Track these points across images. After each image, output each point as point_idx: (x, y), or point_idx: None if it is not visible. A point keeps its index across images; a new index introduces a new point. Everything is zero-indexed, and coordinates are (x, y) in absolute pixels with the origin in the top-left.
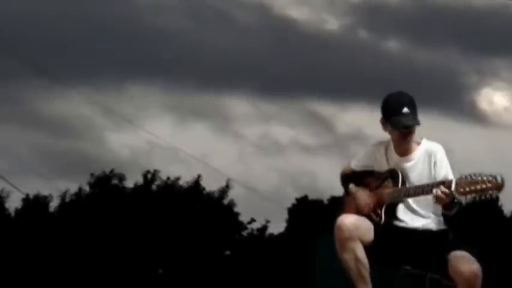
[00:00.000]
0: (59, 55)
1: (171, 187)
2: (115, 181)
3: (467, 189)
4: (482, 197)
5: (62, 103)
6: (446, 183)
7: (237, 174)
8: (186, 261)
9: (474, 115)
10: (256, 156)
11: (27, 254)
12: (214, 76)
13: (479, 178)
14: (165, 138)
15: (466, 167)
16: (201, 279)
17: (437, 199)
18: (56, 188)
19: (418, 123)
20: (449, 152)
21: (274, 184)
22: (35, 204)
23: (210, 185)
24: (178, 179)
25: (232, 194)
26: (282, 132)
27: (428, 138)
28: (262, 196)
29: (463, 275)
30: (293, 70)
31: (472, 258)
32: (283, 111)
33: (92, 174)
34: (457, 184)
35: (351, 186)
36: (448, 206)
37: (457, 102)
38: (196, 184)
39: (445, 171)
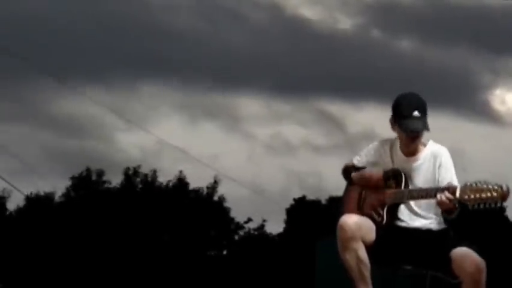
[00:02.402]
0: (71, 55)
1: (152, 184)
2: (94, 178)
3: (472, 196)
4: (487, 206)
5: (72, 103)
6: (451, 189)
7: (245, 174)
8: (181, 260)
9: (487, 115)
10: (267, 156)
11: (24, 252)
12: (227, 76)
13: (485, 186)
14: (175, 138)
15: (479, 166)
16: (199, 279)
17: (441, 204)
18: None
19: (427, 128)
20: (462, 152)
21: (282, 184)
22: (35, 203)
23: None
24: (155, 172)
25: (236, 194)
26: (293, 132)
27: (441, 138)
28: (263, 197)
29: (467, 271)
30: (305, 70)
31: (475, 254)
32: (295, 110)
33: (72, 177)
34: (461, 191)
35: (353, 174)
36: (450, 210)
37: (470, 102)
38: (180, 180)
39: (450, 174)
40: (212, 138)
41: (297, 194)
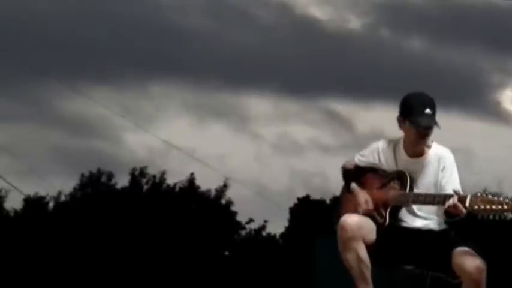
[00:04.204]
0: (79, 55)
1: (160, 185)
2: (104, 179)
3: (482, 207)
4: (496, 217)
5: (81, 103)
6: (460, 197)
7: (252, 174)
8: (185, 261)
9: (497, 114)
10: (274, 156)
11: (24, 254)
12: (235, 76)
13: (496, 198)
14: (184, 139)
15: (488, 166)
16: (200, 280)
17: (449, 211)
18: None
19: (438, 126)
20: (471, 152)
21: (288, 184)
22: (35, 204)
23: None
24: (164, 173)
25: (240, 195)
26: (301, 132)
27: (450, 137)
28: (267, 197)
29: (467, 271)
30: (314, 69)
31: (476, 254)
32: (303, 110)
33: (82, 175)
34: (471, 201)
35: (353, 185)
36: (455, 217)
37: (480, 102)
38: (190, 183)
39: (453, 178)
40: (220, 139)
41: (303, 194)
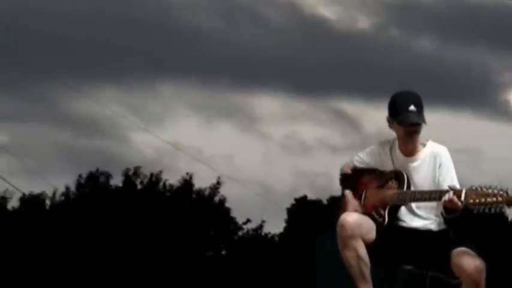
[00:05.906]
0: (87, 55)
1: (155, 184)
2: (102, 179)
3: (477, 200)
4: (492, 210)
5: (88, 103)
6: (456, 192)
7: (258, 174)
8: (180, 260)
9: (507, 114)
10: (281, 156)
11: (22, 253)
12: (244, 75)
13: (490, 191)
14: (191, 139)
15: (497, 166)
16: (198, 279)
17: (445, 207)
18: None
19: (424, 121)
20: (480, 151)
21: (292, 185)
22: (32, 203)
23: (231, 185)
24: (160, 172)
25: (242, 195)
26: (309, 132)
27: (459, 137)
28: (269, 197)
29: (466, 271)
30: (323, 69)
31: (475, 254)
32: (311, 110)
33: (80, 175)
34: (466, 194)
35: (347, 192)
36: (452, 212)
37: (489, 101)
38: (186, 182)
39: (450, 174)
40: (228, 139)
41: (300, 195)
